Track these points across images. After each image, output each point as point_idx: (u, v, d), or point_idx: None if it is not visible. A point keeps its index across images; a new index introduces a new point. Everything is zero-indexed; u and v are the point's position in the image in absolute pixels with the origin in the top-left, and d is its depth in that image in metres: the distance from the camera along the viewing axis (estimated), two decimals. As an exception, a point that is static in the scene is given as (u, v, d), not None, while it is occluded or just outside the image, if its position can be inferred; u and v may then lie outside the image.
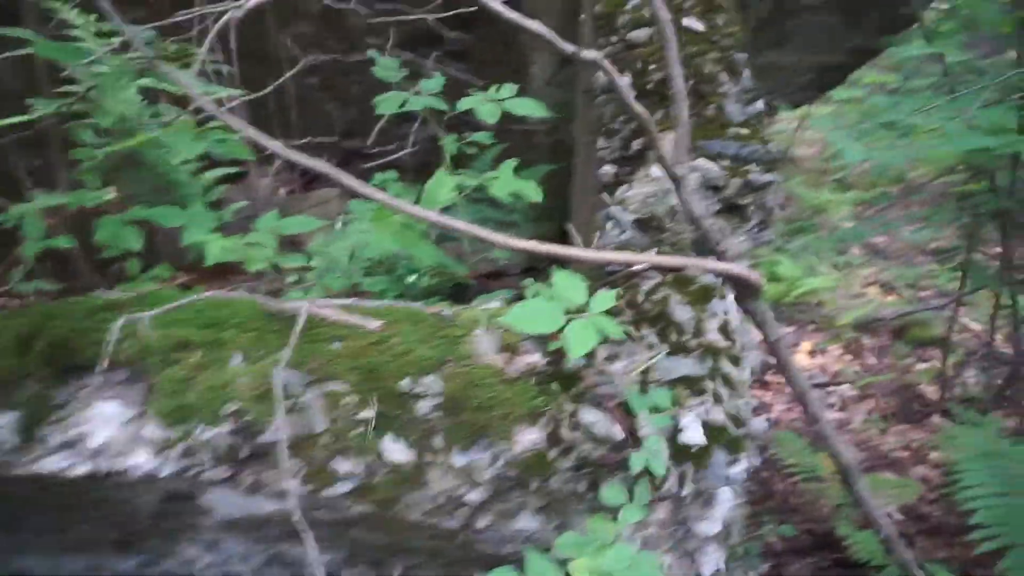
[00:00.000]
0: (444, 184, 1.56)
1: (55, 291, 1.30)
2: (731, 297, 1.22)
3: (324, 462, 1.07)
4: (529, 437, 1.07)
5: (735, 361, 1.15)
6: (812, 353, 4.71)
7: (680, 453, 1.03)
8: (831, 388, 4.35)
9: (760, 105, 1.53)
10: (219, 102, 1.61)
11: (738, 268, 1.27)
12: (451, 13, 1.70)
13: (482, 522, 1.13)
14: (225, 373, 1.10)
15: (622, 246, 1.32)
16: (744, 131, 1.47)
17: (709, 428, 1.05)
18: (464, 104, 1.30)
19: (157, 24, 1.38)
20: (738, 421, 1.08)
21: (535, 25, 1.09)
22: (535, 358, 1.15)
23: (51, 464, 1.08)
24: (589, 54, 1.04)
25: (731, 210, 1.38)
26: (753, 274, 1.29)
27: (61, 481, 1.09)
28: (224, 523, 1.15)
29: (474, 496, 1.10)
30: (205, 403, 1.07)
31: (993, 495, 2.08)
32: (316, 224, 1.66)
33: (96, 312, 1.17)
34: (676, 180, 1.28)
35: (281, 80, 1.84)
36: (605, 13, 1.70)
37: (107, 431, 1.09)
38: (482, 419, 1.08)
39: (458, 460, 1.08)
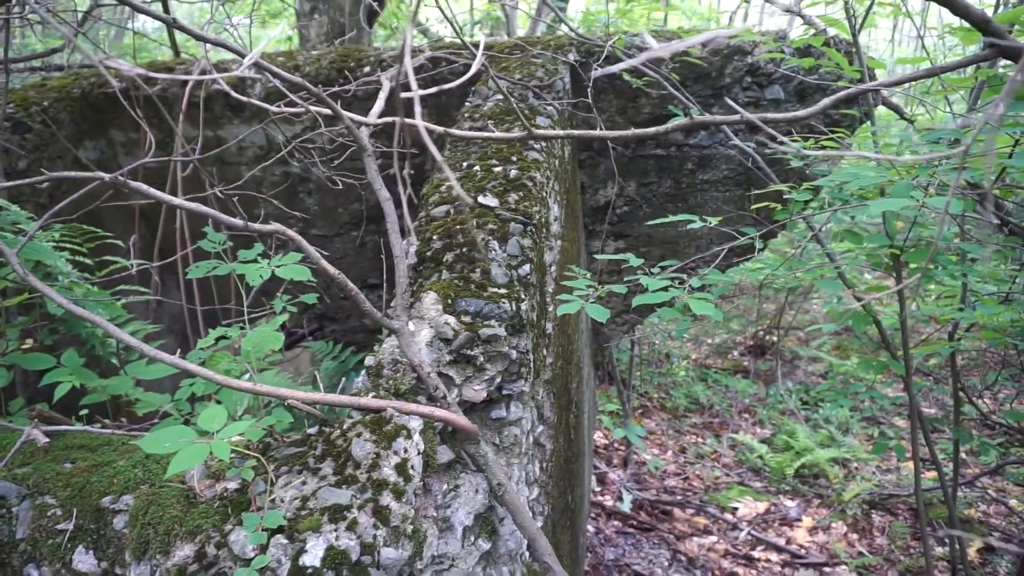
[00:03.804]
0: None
1: None
2: (417, 437, 1.34)
3: (19, 568, 1.24)
4: (182, 553, 1.20)
5: (398, 495, 1.26)
6: (813, 530, 4.39)
7: (297, 573, 1.13)
8: (826, 569, 4.00)
9: (527, 269, 1.71)
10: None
11: (441, 412, 1.40)
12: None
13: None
14: (-31, 485, 1.31)
15: (357, 390, 1.49)
16: (502, 291, 1.64)
17: (331, 553, 1.14)
18: (223, 269, 1.56)
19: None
20: (369, 549, 1.17)
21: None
22: (231, 484, 1.30)
23: None
24: (262, 227, 1.28)
25: (464, 360, 1.52)
26: (461, 419, 1.41)
27: None
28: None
29: (155, 612, 1.22)
30: (-61, 509, 1.28)
31: None
32: (168, 371, 1.92)
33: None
34: (392, 331, 1.46)
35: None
36: (426, 193, 1.97)
37: None
38: (148, 534, 1.22)
39: (133, 572, 1.22)
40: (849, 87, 2.04)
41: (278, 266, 1.62)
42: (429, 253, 1.75)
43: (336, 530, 1.18)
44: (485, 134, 1.57)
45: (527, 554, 1.73)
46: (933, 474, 4.62)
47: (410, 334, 1.48)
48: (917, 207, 1.29)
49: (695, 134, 2.73)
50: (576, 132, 1.39)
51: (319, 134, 2.39)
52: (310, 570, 1.13)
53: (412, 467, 1.31)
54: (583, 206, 3.15)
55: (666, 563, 3.95)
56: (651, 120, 2.69)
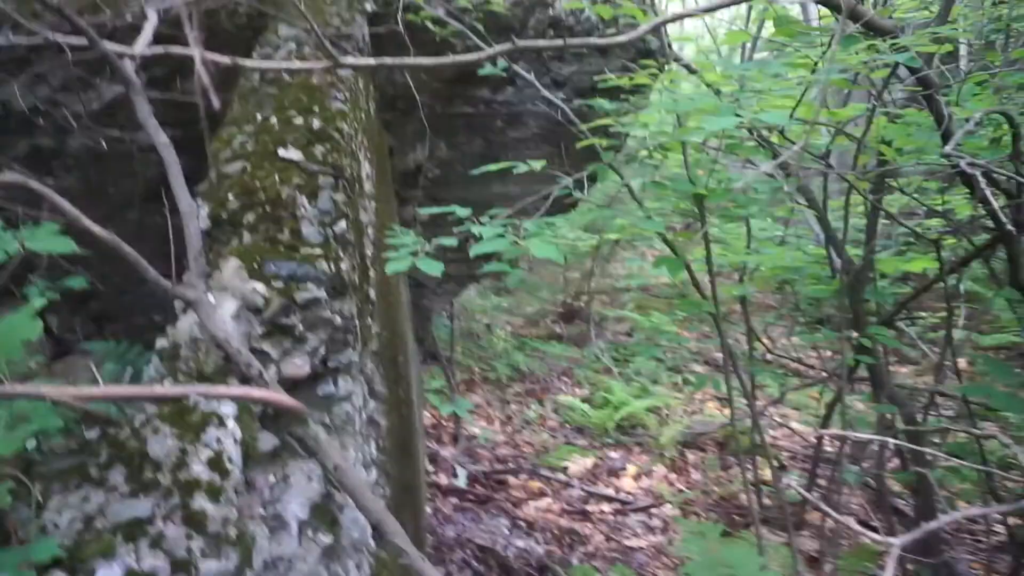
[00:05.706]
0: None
1: None
2: (231, 424, 1.12)
3: None
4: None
5: (215, 495, 1.03)
6: (637, 476, 4.63)
7: (84, 614, 0.88)
8: (653, 511, 4.24)
9: (343, 226, 1.52)
10: None
11: (260, 392, 1.18)
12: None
13: None
14: None
15: (149, 380, 1.22)
16: (317, 251, 1.44)
17: (131, 577, 0.91)
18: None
19: None
20: (184, 566, 0.94)
21: None
22: (-21, 518, 1.00)
23: None
24: None
25: (280, 331, 1.31)
26: (283, 398, 1.20)
27: None
28: None
29: None
30: None
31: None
32: None
33: None
34: (188, 304, 1.21)
35: None
36: (216, 150, 1.70)
37: None
38: None
39: None
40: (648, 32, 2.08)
41: (29, 239, 1.28)
42: (225, 215, 1.49)
43: (136, 550, 0.94)
44: (285, 64, 1.35)
45: (372, 543, 1.56)
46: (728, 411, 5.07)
47: (210, 305, 1.24)
48: (744, 124, 1.32)
49: (503, 90, 2.66)
50: (389, 60, 1.23)
51: (69, 91, 1.97)
52: (103, 605, 0.89)
53: (229, 459, 1.09)
54: (392, 172, 2.98)
55: (507, 531, 3.95)
56: (458, 75, 2.58)
